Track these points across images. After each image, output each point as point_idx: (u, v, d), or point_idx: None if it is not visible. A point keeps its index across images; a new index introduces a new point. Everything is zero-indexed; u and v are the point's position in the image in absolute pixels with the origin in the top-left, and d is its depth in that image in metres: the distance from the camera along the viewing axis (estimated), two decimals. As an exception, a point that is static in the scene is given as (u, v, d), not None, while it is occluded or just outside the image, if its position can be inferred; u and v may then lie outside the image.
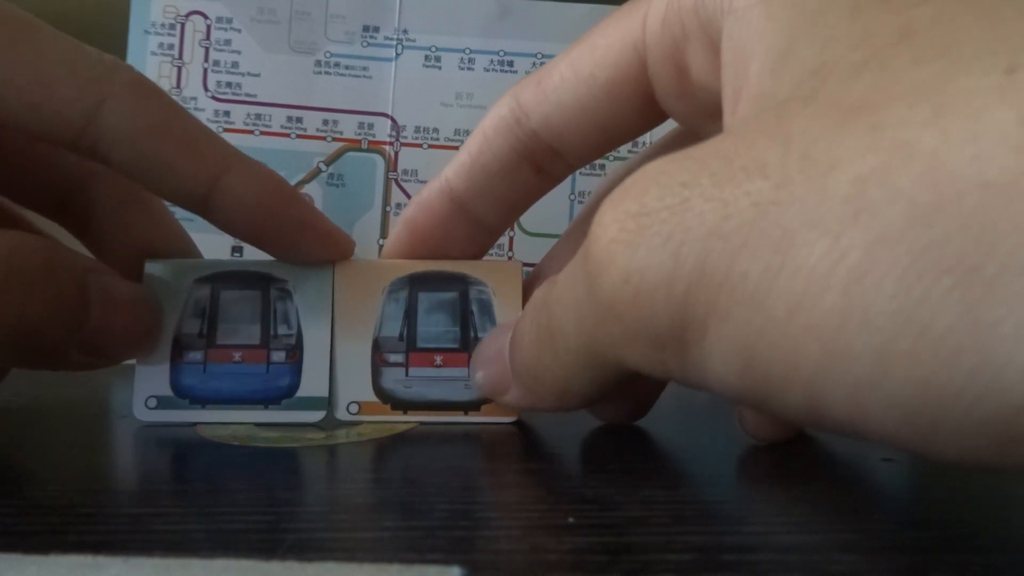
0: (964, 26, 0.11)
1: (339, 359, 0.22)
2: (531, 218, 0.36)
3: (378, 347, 0.22)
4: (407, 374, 0.22)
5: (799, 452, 0.21)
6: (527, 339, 0.18)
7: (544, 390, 0.18)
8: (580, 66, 0.19)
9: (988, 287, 0.09)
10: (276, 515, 0.15)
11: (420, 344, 0.22)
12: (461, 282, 0.22)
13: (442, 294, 0.22)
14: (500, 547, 0.13)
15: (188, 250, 0.24)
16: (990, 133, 0.10)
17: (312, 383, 0.22)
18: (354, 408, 0.22)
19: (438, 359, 0.22)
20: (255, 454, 0.19)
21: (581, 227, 0.22)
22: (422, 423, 0.22)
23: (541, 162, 0.21)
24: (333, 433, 0.21)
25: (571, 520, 0.14)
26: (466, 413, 0.22)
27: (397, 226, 0.23)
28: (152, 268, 0.22)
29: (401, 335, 0.22)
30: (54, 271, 0.18)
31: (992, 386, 0.10)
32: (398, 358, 0.22)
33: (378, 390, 0.22)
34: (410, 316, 0.22)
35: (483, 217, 0.22)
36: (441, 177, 0.22)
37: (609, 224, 0.14)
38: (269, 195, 0.21)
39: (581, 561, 0.12)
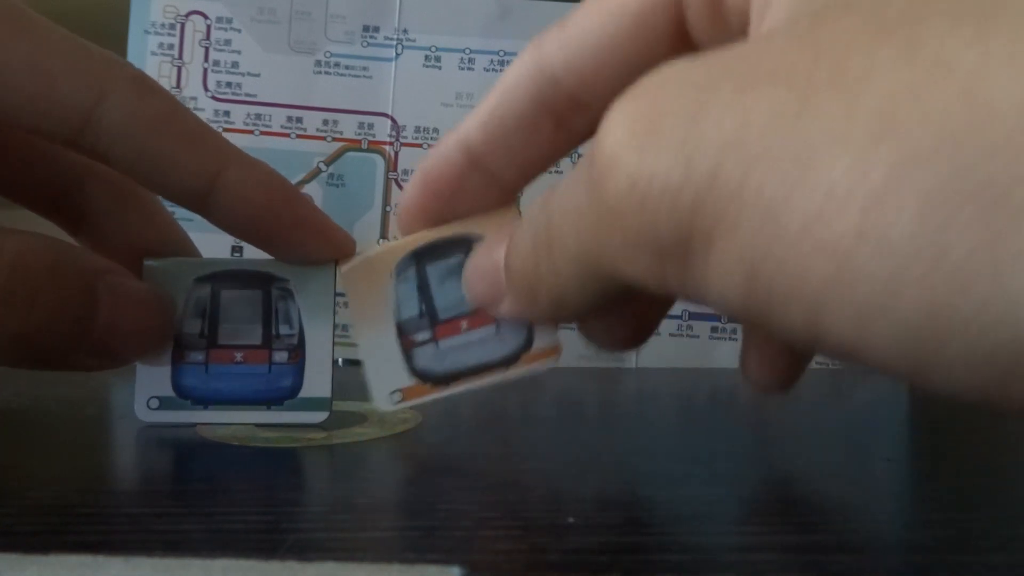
0: None
1: (367, 356, 0.22)
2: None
3: (403, 331, 0.22)
4: (438, 348, 0.22)
5: (799, 452, 0.21)
6: (524, 246, 0.18)
7: (539, 300, 0.18)
8: (604, 5, 0.18)
9: (1014, 216, 0.09)
10: (276, 515, 0.15)
11: (442, 316, 0.22)
12: (464, 244, 0.22)
13: (449, 260, 0.22)
14: (500, 547, 0.13)
15: (186, 249, 0.24)
16: None
17: (314, 384, 0.22)
18: (397, 396, 0.21)
19: (464, 324, 0.22)
20: (255, 454, 0.19)
21: None
22: (467, 391, 0.22)
23: (563, 115, 0.20)
24: (333, 433, 0.21)
25: (571, 520, 0.14)
26: (507, 369, 0.22)
27: (413, 177, 0.21)
28: (151, 266, 0.22)
29: (421, 312, 0.22)
30: (61, 275, 0.18)
31: (1004, 317, 0.09)
32: (425, 335, 0.22)
33: (415, 372, 0.22)
34: (424, 291, 0.22)
35: (499, 173, 0.21)
36: (459, 129, 0.21)
37: (618, 125, 0.13)
38: (270, 193, 0.20)
39: (581, 561, 0.12)
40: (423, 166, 0.21)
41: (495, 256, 0.19)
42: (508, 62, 0.38)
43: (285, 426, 0.21)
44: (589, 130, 0.21)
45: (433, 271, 0.22)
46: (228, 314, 0.22)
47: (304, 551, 0.12)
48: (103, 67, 0.18)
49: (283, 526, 0.14)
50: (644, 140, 0.12)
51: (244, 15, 0.38)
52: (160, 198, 0.23)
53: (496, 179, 0.21)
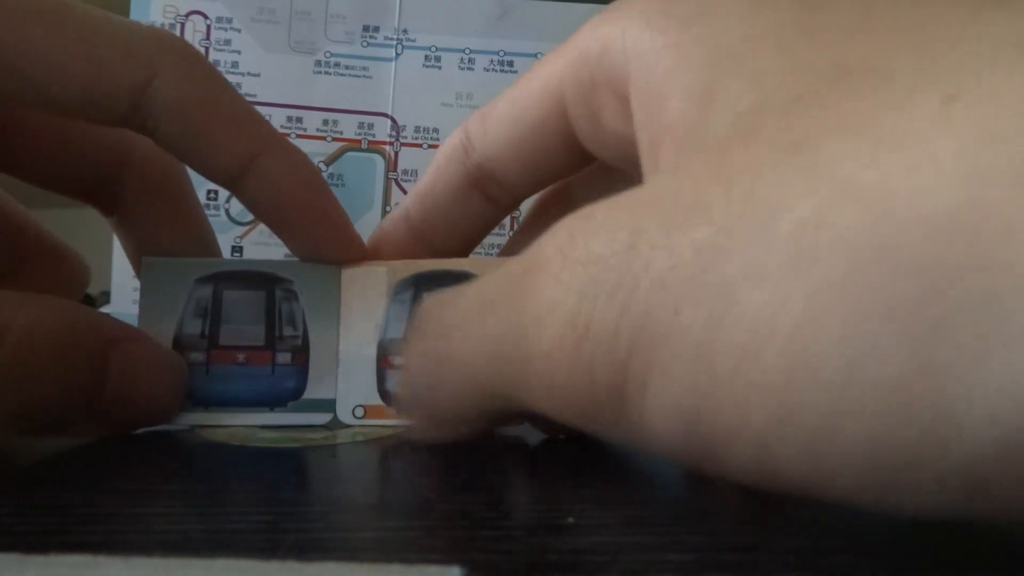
0: (897, 59, 0.11)
1: (344, 362, 0.22)
2: (531, 218, 0.36)
3: (384, 350, 0.22)
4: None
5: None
6: (417, 354, 0.18)
7: (433, 413, 0.18)
8: (515, 103, 0.20)
9: (936, 330, 0.09)
10: (276, 515, 0.15)
11: None
12: (465, 281, 0.22)
13: None
14: (500, 547, 0.13)
15: (211, 246, 0.24)
16: (929, 166, 0.09)
17: (319, 385, 0.22)
18: (359, 412, 0.22)
19: None
20: (255, 454, 0.19)
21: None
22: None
23: (488, 191, 0.21)
24: (334, 433, 0.21)
25: (571, 520, 0.14)
26: None
27: (368, 245, 0.23)
28: (149, 262, 0.22)
29: (406, 337, 0.22)
30: (67, 353, 0.18)
31: (952, 439, 0.09)
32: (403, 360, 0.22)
33: (383, 393, 0.22)
34: (415, 318, 0.22)
35: (440, 246, 0.22)
36: (400, 207, 0.22)
37: (547, 261, 0.13)
38: (299, 183, 0.21)
39: (581, 561, 0.12)
40: (372, 240, 0.23)
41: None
42: (508, 62, 0.38)
43: (288, 428, 0.21)
44: (514, 203, 0.22)
45: None
46: (230, 315, 0.22)
47: (304, 551, 0.12)
48: (151, 47, 0.19)
49: (283, 526, 0.14)
50: (577, 281, 0.12)
51: (244, 15, 0.38)
52: (194, 194, 0.24)
53: (440, 254, 0.22)
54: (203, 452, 0.20)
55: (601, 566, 0.12)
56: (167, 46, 0.19)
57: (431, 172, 0.22)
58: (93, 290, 0.33)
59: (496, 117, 0.20)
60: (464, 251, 0.23)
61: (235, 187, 0.20)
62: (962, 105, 0.10)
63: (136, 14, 0.37)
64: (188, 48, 0.19)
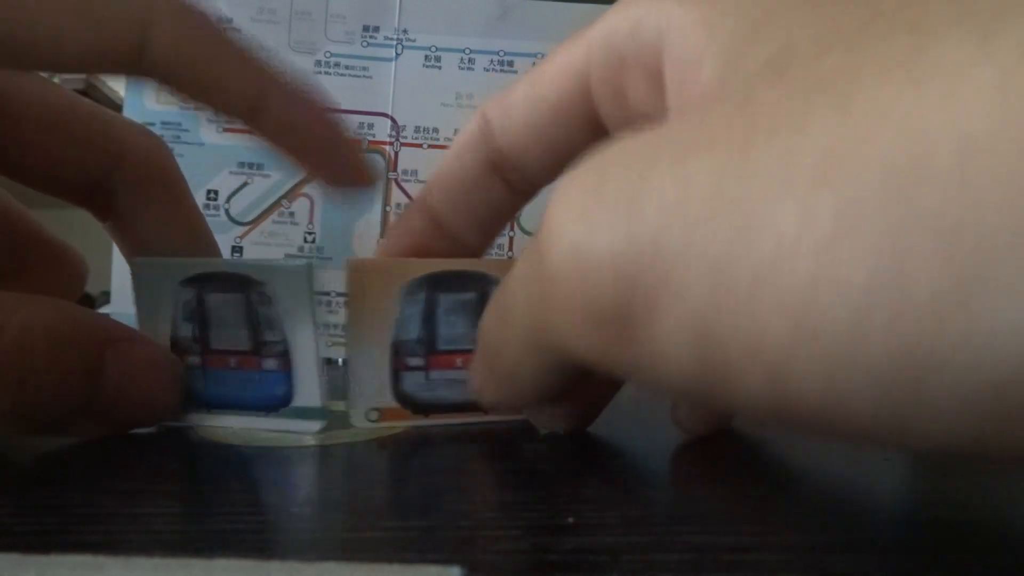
0: (931, 7, 0.11)
1: (355, 364, 0.21)
2: (530, 218, 0.36)
3: (398, 351, 0.21)
4: (427, 378, 0.22)
5: (798, 452, 0.21)
6: (488, 318, 0.18)
7: (498, 375, 0.18)
8: (535, 87, 0.20)
9: (974, 245, 0.09)
10: (276, 515, 0.15)
11: (440, 346, 0.22)
12: (481, 282, 0.22)
13: (461, 295, 0.22)
14: (500, 547, 0.13)
15: (208, 243, 0.24)
16: (969, 90, 0.09)
17: (305, 393, 0.21)
18: (374, 415, 0.21)
19: (459, 361, 0.22)
20: (254, 454, 0.19)
21: None
22: (443, 425, 0.22)
23: (508, 177, 0.21)
24: (332, 433, 0.21)
25: (571, 520, 0.14)
26: (487, 412, 0.22)
27: (385, 236, 0.23)
28: (140, 263, 0.22)
29: (420, 338, 0.22)
30: (62, 353, 0.18)
31: (982, 352, 0.09)
32: (418, 362, 0.22)
33: (399, 394, 0.22)
34: (429, 318, 0.22)
35: (460, 235, 0.22)
36: (419, 197, 0.22)
37: (563, 198, 0.13)
38: (310, 116, 0.21)
39: (581, 561, 0.12)
40: (392, 234, 0.23)
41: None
42: (508, 62, 0.38)
43: (283, 432, 0.21)
44: (534, 189, 0.22)
45: (444, 300, 0.22)
46: (217, 319, 0.21)
47: (304, 551, 0.12)
48: (145, 2, 0.19)
49: (283, 526, 0.14)
50: (588, 211, 0.12)
51: (244, 15, 0.38)
52: (188, 192, 0.24)
53: (458, 241, 0.22)
54: (203, 452, 0.20)
55: (601, 566, 0.12)
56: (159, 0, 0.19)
57: (450, 159, 0.22)
58: (93, 290, 0.33)
59: (516, 100, 0.20)
60: (485, 240, 0.23)
61: (252, 124, 0.21)
62: (1001, 40, 0.09)
63: (136, 14, 0.37)
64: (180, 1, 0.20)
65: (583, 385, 0.18)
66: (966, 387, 0.09)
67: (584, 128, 0.19)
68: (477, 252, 0.23)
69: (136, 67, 0.19)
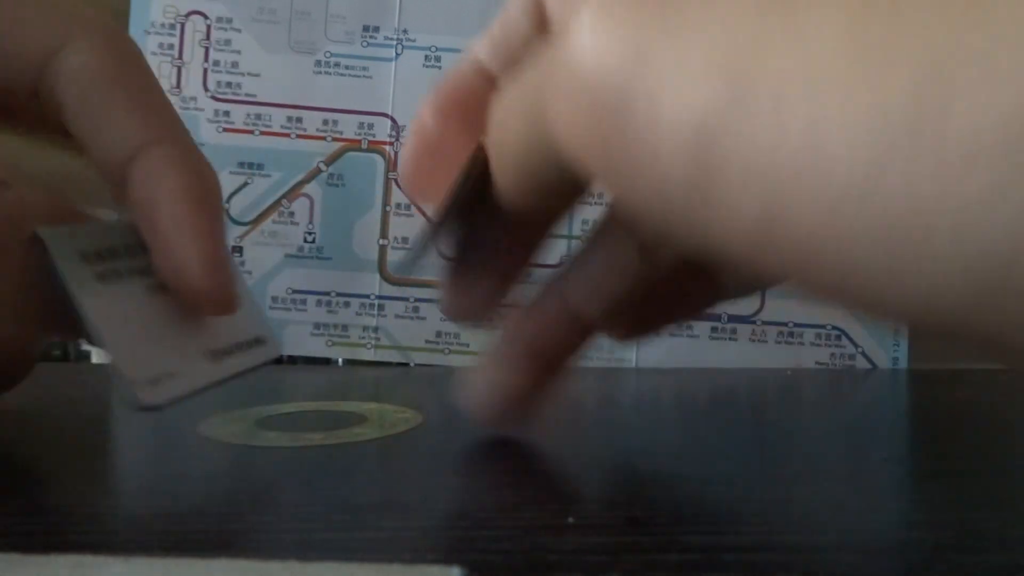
0: None
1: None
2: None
3: None
4: None
5: (799, 452, 0.21)
6: (497, 108, 0.16)
7: (502, 159, 0.16)
8: None
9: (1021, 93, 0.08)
10: (276, 515, 0.15)
11: None
12: None
13: None
14: (500, 547, 0.13)
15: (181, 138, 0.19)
16: None
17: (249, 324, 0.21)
18: None
19: None
20: (255, 454, 0.19)
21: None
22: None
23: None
24: (333, 433, 0.21)
25: (571, 520, 0.14)
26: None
27: (440, 85, 0.20)
28: (50, 237, 0.17)
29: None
30: None
31: (1000, 205, 0.08)
32: None
33: None
34: None
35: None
36: (468, 54, 0.21)
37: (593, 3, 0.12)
38: (185, 185, 0.18)
39: (581, 561, 0.12)
40: (444, 86, 0.20)
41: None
42: (508, 62, 0.38)
43: (285, 426, 0.21)
44: None
45: None
46: None
47: (304, 551, 0.12)
48: (72, 17, 0.18)
49: (283, 526, 0.14)
50: (611, 9, 0.12)
51: (244, 15, 0.38)
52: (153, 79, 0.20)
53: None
54: (203, 452, 0.20)
55: (601, 566, 0.12)
56: (90, 20, 0.18)
57: (501, 18, 0.20)
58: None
59: None
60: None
61: (120, 181, 0.18)
62: None
63: (136, 14, 0.37)
64: (112, 26, 0.19)
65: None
66: (973, 243, 0.08)
67: None
68: None
69: (39, 84, 0.18)
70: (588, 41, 0.12)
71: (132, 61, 0.18)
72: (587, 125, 0.12)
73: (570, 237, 0.37)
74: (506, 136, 0.16)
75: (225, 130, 0.37)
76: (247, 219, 0.37)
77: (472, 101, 0.20)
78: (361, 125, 0.38)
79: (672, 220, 0.11)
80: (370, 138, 0.38)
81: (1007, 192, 0.08)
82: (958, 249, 0.08)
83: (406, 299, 0.37)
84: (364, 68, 0.38)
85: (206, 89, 0.38)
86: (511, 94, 0.16)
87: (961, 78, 0.08)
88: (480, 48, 0.20)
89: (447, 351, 0.37)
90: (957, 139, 0.08)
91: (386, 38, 0.38)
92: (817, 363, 0.38)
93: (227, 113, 0.38)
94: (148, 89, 0.19)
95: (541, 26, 0.20)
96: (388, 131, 0.38)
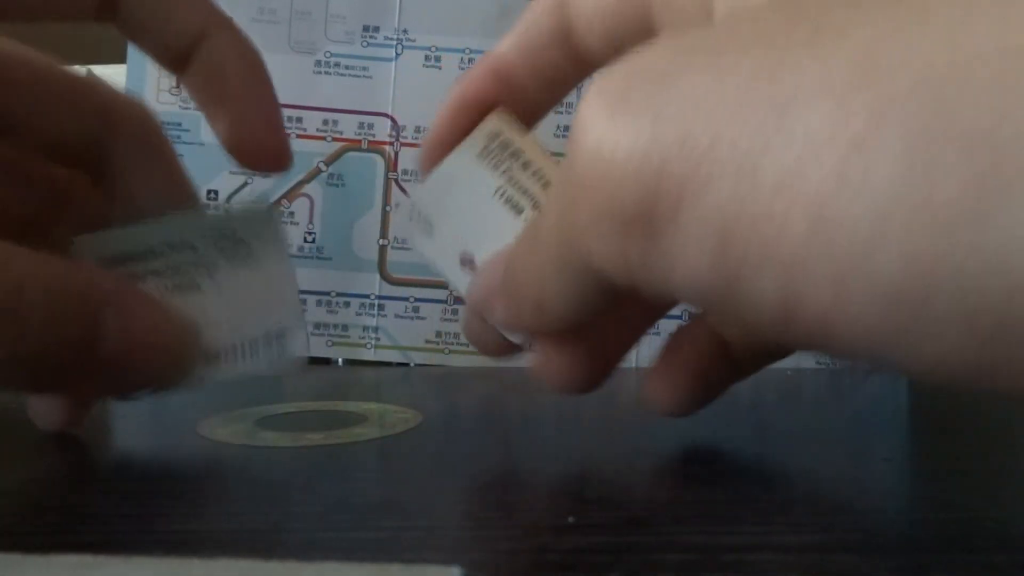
0: None
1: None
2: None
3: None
4: None
5: (799, 452, 0.21)
6: (515, 249, 0.18)
7: (523, 302, 0.17)
8: None
9: (999, 154, 0.09)
10: (276, 515, 0.15)
11: None
12: None
13: None
14: (500, 547, 0.13)
15: (197, 198, 0.24)
16: (1019, 7, 0.09)
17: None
18: None
19: None
20: (255, 454, 0.19)
21: None
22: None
23: (576, 48, 0.20)
24: (333, 433, 0.21)
25: (571, 520, 0.14)
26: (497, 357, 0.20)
27: (451, 90, 0.22)
28: (84, 242, 0.20)
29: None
30: (58, 301, 0.17)
31: (990, 265, 0.09)
32: None
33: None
34: None
35: (529, 92, 0.21)
36: (491, 52, 0.22)
37: (592, 98, 0.13)
38: (247, 66, 0.21)
39: (581, 561, 0.12)
40: (459, 85, 0.21)
41: (501, 257, 0.19)
42: (508, 62, 0.38)
43: (287, 427, 0.21)
44: (595, 67, 0.21)
45: None
46: None
47: (304, 551, 0.12)
48: None
49: (283, 526, 0.14)
50: (614, 107, 0.12)
51: (244, 15, 0.38)
52: (175, 153, 0.23)
53: (526, 98, 0.21)
54: (203, 452, 0.20)
55: (601, 566, 0.12)
56: None
57: (525, 22, 0.21)
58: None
59: None
60: (551, 101, 0.22)
61: (181, 65, 0.21)
62: None
63: (136, 14, 0.37)
64: None
65: (598, 334, 0.17)
66: (970, 304, 0.09)
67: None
68: (542, 113, 0.22)
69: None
70: (595, 154, 0.12)
71: None
72: (615, 246, 0.13)
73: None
74: (534, 269, 0.16)
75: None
76: (247, 219, 0.37)
77: (484, 105, 0.21)
78: (361, 125, 0.38)
79: (702, 302, 0.12)
80: (370, 138, 0.38)
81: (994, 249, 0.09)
82: (957, 310, 0.09)
83: (406, 299, 0.37)
84: (364, 68, 0.38)
85: (206, 89, 0.38)
86: (536, 226, 0.16)
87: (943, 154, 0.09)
88: (501, 48, 0.21)
89: (447, 351, 0.37)
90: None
91: (386, 38, 0.38)
92: (817, 363, 0.38)
93: (227, 113, 0.38)
94: None
95: (565, 35, 0.20)
96: (388, 131, 0.38)
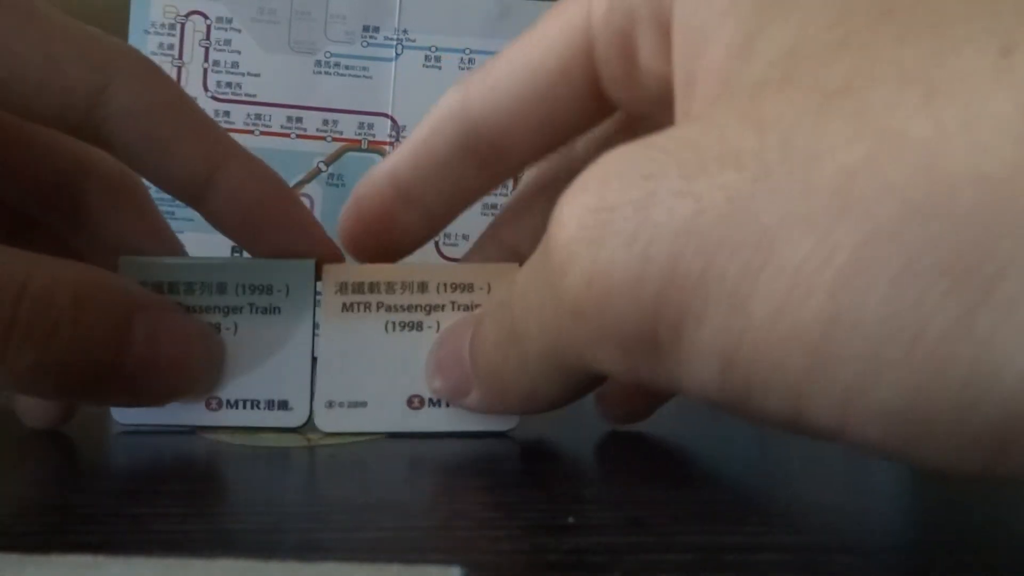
0: (951, 7, 0.10)
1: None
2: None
3: None
4: None
5: (799, 452, 0.21)
6: (490, 342, 0.18)
7: (510, 395, 0.18)
8: (526, 55, 0.18)
9: (986, 289, 0.09)
10: (276, 515, 0.15)
11: None
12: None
13: None
14: (500, 547, 0.13)
15: (175, 249, 0.23)
16: (987, 122, 0.09)
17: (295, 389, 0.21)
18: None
19: None
20: (255, 454, 0.19)
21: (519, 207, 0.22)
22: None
23: (485, 159, 0.20)
24: (332, 433, 0.21)
25: (571, 520, 0.14)
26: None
27: (346, 207, 0.22)
28: (127, 261, 0.21)
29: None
30: (87, 309, 0.17)
31: (987, 394, 0.09)
32: None
33: None
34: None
35: (429, 206, 0.21)
36: (388, 161, 0.21)
37: (567, 221, 0.13)
38: (268, 190, 0.20)
39: (581, 561, 0.12)
40: (356, 196, 0.22)
41: (458, 348, 0.19)
42: (508, 62, 0.38)
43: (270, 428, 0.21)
44: (508, 173, 0.21)
45: None
46: None
47: (304, 551, 0.12)
48: (110, 52, 0.18)
49: (283, 526, 0.14)
50: (596, 234, 0.12)
51: (244, 15, 0.38)
52: (152, 198, 0.23)
53: (426, 212, 0.21)
54: (203, 452, 0.20)
55: (601, 566, 0.12)
56: (126, 53, 0.19)
57: (424, 132, 0.20)
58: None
59: (502, 70, 0.19)
60: (452, 216, 0.22)
61: (199, 201, 0.20)
62: (1020, 57, 0.09)
63: (136, 14, 0.37)
64: (146, 58, 0.19)
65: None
66: (968, 426, 0.09)
67: (583, 96, 0.18)
68: (443, 225, 0.22)
69: (86, 120, 0.18)
70: (586, 286, 0.12)
71: (177, 91, 0.20)
72: (620, 362, 0.13)
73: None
74: (520, 370, 0.17)
75: (225, 130, 0.37)
76: (247, 219, 0.37)
77: (386, 220, 0.21)
78: (361, 125, 0.38)
79: (713, 407, 0.13)
80: (370, 138, 0.38)
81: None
82: (958, 429, 0.10)
83: (406, 299, 0.37)
84: (364, 68, 0.38)
85: (206, 89, 0.38)
86: (514, 330, 0.16)
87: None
88: (398, 159, 0.21)
89: (447, 351, 0.37)
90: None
91: (386, 38, 0.38)
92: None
93: (227, 113, 0.38)
94: (199, 112, 0.20)
95: (468, 162, 0.20)
96: (388, 131, 0.38)
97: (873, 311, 0.10)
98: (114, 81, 0.18)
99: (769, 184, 0.11)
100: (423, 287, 0.21)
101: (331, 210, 0.37)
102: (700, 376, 0.12)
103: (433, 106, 0.20)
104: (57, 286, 0.17)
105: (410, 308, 0.21)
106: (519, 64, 0.19)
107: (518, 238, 0.22)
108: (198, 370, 0.20)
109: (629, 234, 0.12)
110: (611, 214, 0.12)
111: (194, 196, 0.20)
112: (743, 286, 0.11)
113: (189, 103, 0.20)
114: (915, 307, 0.09)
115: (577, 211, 0.12)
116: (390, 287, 0.21)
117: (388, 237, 0.22)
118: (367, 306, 0.21)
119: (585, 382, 0.16)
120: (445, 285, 0.21)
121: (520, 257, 0.21)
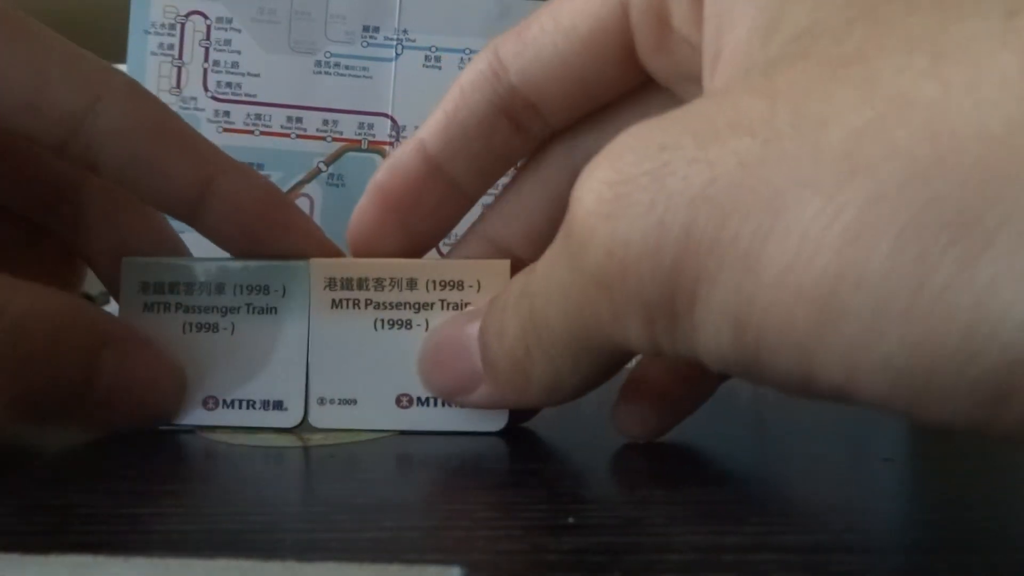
0: None
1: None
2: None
3: None
4: None
5: (799, 452, 0.21)
6: (509, 335, 0.17)
7: (533, 386, 0.17)
8: (561, 17, 0.19)
9: (987, 241, 0.09)
10: (276, 515, 0.15)
11: None
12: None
13: None
14: (500, 547, 0.13)
15: (178, 250, 0.24)
16: (991, 81, 0.10)
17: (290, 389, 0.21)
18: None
19: None
20: (255, 454, 0.19)
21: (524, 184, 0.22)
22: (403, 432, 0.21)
23: (520, 118, 0.20)
24: (333, 433, 0.21)
25: (571, 520, 0.14)
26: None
27: (366, 192, 0.21)
28: (129, 263, 0.21)
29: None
30: (60, 341, 0.18)
31: (987, 342, 0.09)
32: None
33: None
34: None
35: (459, 179, 0.21)
36: (415, 138, 0.20)
37: (586, 196, 0.13)
38: (262, 201, 0.20)
39: (581, 561, 0.12)
40: (378, 178, 0.21)
41: (460, 341, 0.19)
42: (508, 62, 0.38)
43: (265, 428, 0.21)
44: (545, 131, 0.21)
45: None
46: None
47: (304, 551, 0.12)
48: (97, 72, 0.19)
49: (283, 526, 0.14)
50: (614, 207, 0.12)
51: (244, 15, 0.38)
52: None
53: (456, 186, 0.21)
54: (203, 452, 0.20)
55: (601, 566, 0.12)
56: (112, 73, 0.19)
57: (453, 99, 0.20)
58: (93, 290, 0.33)
59: (538, 31, 0.19)
60: (484, 188, 0.21)
61: (193, 217, 0.20)
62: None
63: (136, 14, 0.37)
64: (132, 79, 0.19)
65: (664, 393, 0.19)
66: (970, 374, 0.10)
67: (617, 60, 0.18)
68: (473, 199, 0.21)
69: (72, 140, 0.18)
70: (607, 257, 0.13)
71: (164, 109, 0.20)
72: (644, 332, 0.13)
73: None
74: (543, 357, 0.17)
75: (225, 130, 0.37)
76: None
77: (413, 197, 0.21)
78: (361, 125, 0.38)
79: (726, 372, 0.13)
80: (370, 138, 0.38)
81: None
82: (961, 379, 0.10)
83: (406, 299, 0.37)
84: (364, 68, 0.38)
85: (206, 89, 0.38)
86: (534, 314, 0.16)
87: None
88: (427, 131, 0.20)
89: (447, 351, 0.37)
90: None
91: (386, 38, 0.38)
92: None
93: (227, 113, 0.38)
94: (187, 130, 0.20)
95: (503, 124, 0.20)
96: (388, 131, 0.38)
97: (877, 266, 0.10)
98: (100, 101, 0.18)
99: (779, 148, 0.11)
100: (412, 284, 0.21)
101: (331, 210, 0.38)
102: (714, 340, 0.12)
103: (462, 71, 0.20)
104: (33, 315, 0.17)
105: (399, 306, 0.21)
106: (553, 26, 0.19)
107: (508, 233, 0.21)
108: (158, 404, 0.21)
109: (646, 204, 0.12)
110: (628, 186, 0.12)
111: (188, 213, 0.20)
112: (754, 247, 0.11)
113: (177, 121, 0.20)
114: (918, 260, 0.10)
115: (595, 186, 0.13)
116: (379, 283, 0.21)
117: (414, 217, 0.21)
118: (356, 303, 0.21)
119: (607, 365, 0.16)
120: (435, 282, 0.21)
121: (508, 253, 0.21)
